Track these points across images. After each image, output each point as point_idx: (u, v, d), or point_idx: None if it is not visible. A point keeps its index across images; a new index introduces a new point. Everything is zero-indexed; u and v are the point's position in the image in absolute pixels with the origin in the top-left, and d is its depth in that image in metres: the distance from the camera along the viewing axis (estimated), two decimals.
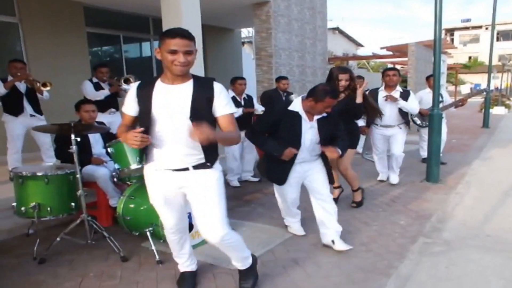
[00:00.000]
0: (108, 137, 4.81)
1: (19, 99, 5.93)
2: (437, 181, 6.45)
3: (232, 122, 2.79)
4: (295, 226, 4.41)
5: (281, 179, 4.03)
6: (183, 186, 2.85)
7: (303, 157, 3.92)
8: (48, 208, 3.80)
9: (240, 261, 3.13)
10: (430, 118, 6.48)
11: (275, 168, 4.01)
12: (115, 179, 4.36)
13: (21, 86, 5.93)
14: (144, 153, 2.94)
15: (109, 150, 4.20)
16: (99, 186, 4.61)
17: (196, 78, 2.74)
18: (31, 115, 6.04)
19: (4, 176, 5.99)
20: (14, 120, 5.94)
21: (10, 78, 5.86)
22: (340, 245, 3.90)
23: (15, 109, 5.93)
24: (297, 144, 3.80)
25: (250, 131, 4.00)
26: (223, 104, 2.74)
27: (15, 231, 4.52)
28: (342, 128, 4.07)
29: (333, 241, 3.93)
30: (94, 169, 4.61)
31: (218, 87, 2.74)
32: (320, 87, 3.72)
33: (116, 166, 4.18)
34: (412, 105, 6.13)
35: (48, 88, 5.91)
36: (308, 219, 4.42)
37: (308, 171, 4.01)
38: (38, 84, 5.93)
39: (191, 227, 3.95)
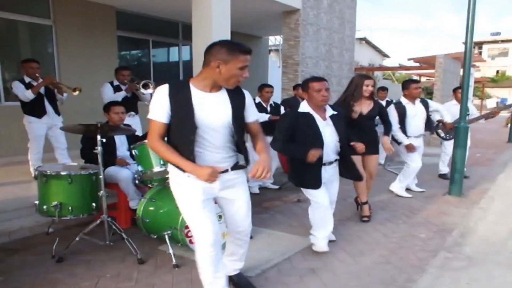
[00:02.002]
0: (134, 139, 4.84)
1: (41, 101, 5.98)
2: (460, 195, 6.32)
3: (260, 128, 2.99)
4: (323, 242, 4.11)
5: (316, 182, 3.91)
6: (221, 188, 2.80)
7: (328, 157, 3.91)
8: (70, 208, 3.83)
9: (243, 260, 3.31)
10: (456, 131, 6.38)
11: (306, 173, 3.91)
12: (136, 181, 4.41)
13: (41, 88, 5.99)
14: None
15: (133, 152, 4.25)
16: (121, 188, 4.64)
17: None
18: (51, 116, 6.12)
19: (25, 175, 6.13)
20: (38, 121, 6.00)
21: (27, 78, 5.88)
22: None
23: (39, 111, 5.99)
24: (319, 143, 3.78)
25: (272, 142, 3.94)
26: (253, 111, 2.93)
27: (36, 229, 4.58)
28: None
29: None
30: (116, 170, 4.65)
31: (247, 94, 2.87)
32: (304, 80, 4.05)
33: (140, 168, 4.22)
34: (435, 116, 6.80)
35: (77, 93, 5.97)
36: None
37: (332, 176, 4.07)
38: (65, 88, 6.00)
39: None
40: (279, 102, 7.14)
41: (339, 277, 3.57)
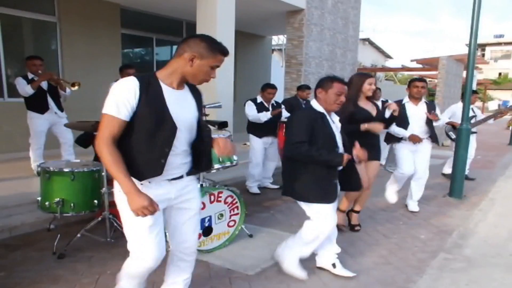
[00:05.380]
0: None
1: (44, 96, 5.99)
2: (460, 197, 6.34)
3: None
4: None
5: (333, 195, 3.41)
6: (176, 196, 2.52)
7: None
8: (72, 204, 3.85)
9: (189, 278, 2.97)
10: (458, 133, 6.39)
11: (320, 184, 3.33)
12: None
13: (44, 84, 5.97)
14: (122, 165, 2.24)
15: None
16: None
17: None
18: (55, 112, 6.12)
19: (27, 171, 6.13)
20: (40, 117, 6.02)
21: (30, 75, 5.91)
22: (341, 271, 3.63)
23: (41, 107, 6.00)
24: (334, 148, 3.36)
25: (293, 147, 3.24)
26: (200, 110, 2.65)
27: (37, 225, 4.60)
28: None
29: (334, 265, 3.66)
30: None
31: (201, 93, 2.64)
32: (324, 77, 3.47)
33: None
34: (443, 118, 6.37)
35: (76, 88, 6.00)
36: None
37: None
38: (64, 83, 6.02)
39: (210, 230, 3.97)
40: (280, 101, 7.10)
41: (339, 277, 3.57)
